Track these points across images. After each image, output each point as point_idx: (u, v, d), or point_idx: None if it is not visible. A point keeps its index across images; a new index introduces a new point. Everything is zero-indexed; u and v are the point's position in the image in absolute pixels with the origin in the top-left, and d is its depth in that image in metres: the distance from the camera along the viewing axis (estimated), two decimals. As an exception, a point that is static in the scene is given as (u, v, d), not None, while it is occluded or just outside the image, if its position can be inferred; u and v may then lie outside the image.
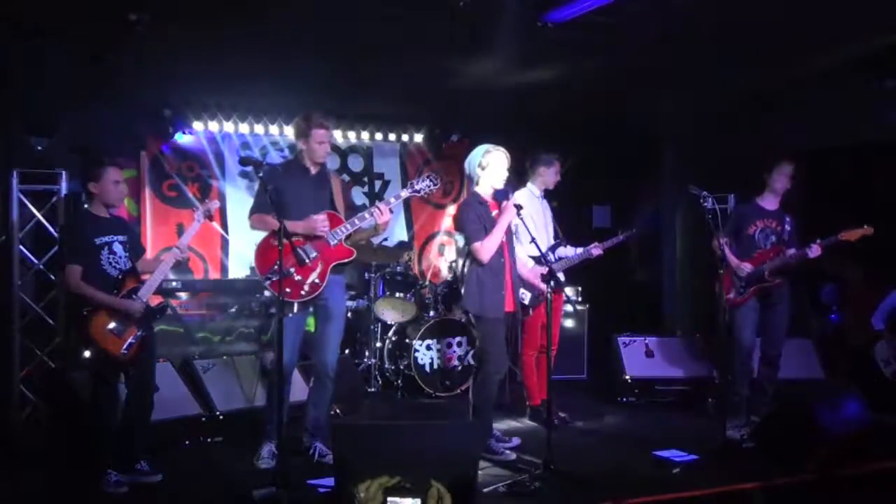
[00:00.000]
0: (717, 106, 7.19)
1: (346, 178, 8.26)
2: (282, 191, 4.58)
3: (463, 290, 5.02)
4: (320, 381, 4.87)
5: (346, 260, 4.77)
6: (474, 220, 4.88)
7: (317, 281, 4.64)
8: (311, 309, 4.84)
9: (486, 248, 4.84)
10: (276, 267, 4.20)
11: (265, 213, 4.61)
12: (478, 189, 5.03)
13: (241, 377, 5.51)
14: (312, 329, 5.07)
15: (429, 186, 4.79)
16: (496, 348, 4.93)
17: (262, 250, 4.67)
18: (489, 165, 4.94)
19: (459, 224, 5.03)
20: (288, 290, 4.49)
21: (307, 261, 4.60)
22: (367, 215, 4.70)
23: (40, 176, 5.58)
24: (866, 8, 5.12)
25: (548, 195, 6.04)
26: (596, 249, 5.84)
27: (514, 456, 4.99)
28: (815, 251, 5.35)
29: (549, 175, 5.93)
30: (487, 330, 4.94)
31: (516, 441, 5.23)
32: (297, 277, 4.58)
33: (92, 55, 4.93)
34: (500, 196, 4.95)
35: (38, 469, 4.76)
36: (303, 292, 4.60)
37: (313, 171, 4.81)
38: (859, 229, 5.29)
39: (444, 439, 3.72)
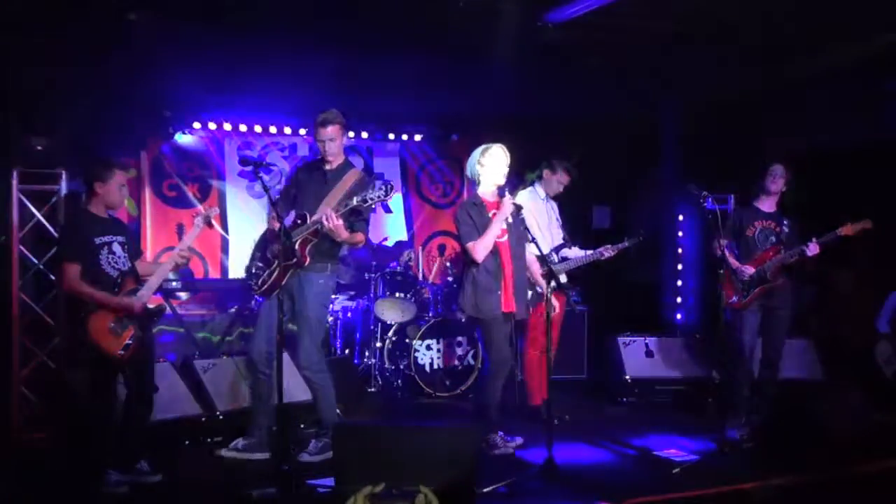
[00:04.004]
0: (717, 106, 7.19)
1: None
2: (300, 185, 5.00)
3: (459, 294, 5.04)
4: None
5: None
6: (466, 220, 4.91)
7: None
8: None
9: (479, 248, 4.84)
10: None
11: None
12: (480, 190, 5.03)
13: (241, 377, 5.51)
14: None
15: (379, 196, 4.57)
16: (494, 352, 4.94)
17: None
18: (487, 163, 4.95)
19: (455, 226, 5.05)
20: None
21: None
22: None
23: (40, 176, 5.57)
24: (866, 8, 5.12)
25: (553, 196, 6.04)
26: (608, 251, 5.82)
27: (515, 445, 5.07)
28: (812, 249, 5.34)
29: (552, 181, 5.94)
30: (483, 332, 4.98)
31: (519, 440, 5.23)
32: None
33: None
34: (501, 193, 4.91)
35: (38, 469, 4.76)
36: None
37: (328, 167, 4.95)
38: (858, 223, 5.28)
39: (441, 442, 3.70)
